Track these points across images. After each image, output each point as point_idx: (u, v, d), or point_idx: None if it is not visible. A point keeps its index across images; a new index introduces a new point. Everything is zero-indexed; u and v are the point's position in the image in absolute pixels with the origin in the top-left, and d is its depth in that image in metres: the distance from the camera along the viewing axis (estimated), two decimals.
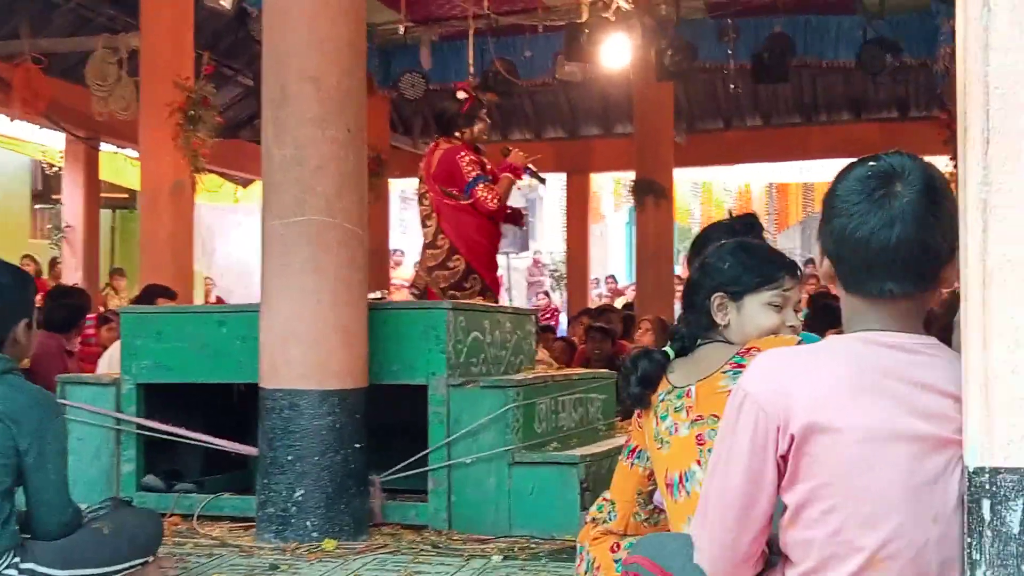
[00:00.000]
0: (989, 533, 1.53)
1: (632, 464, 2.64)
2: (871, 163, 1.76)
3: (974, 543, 1.55)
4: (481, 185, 5.75)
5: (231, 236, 18.76)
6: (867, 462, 1.68)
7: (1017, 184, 1.53)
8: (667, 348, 2.58)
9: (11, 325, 3.11)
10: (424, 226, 6.02)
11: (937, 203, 1.72)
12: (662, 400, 2.53)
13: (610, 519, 2.65)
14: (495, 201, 5.78)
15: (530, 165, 6.14)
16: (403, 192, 20.30)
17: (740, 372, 2.41)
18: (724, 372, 2.46)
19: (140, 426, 4.74)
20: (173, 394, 4.83)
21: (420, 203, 6.09)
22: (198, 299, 12.56)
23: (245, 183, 15.08)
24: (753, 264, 2.63)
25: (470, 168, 5.78)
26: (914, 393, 1.70)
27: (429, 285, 5.94)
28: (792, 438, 1.70)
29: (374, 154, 10.91)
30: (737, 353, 2.48)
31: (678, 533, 2.35)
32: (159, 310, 5.36)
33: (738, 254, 2.63)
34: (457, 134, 5.97)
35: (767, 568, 1.87)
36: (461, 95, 6.29)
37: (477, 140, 6.07)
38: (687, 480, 2.41)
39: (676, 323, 2.68)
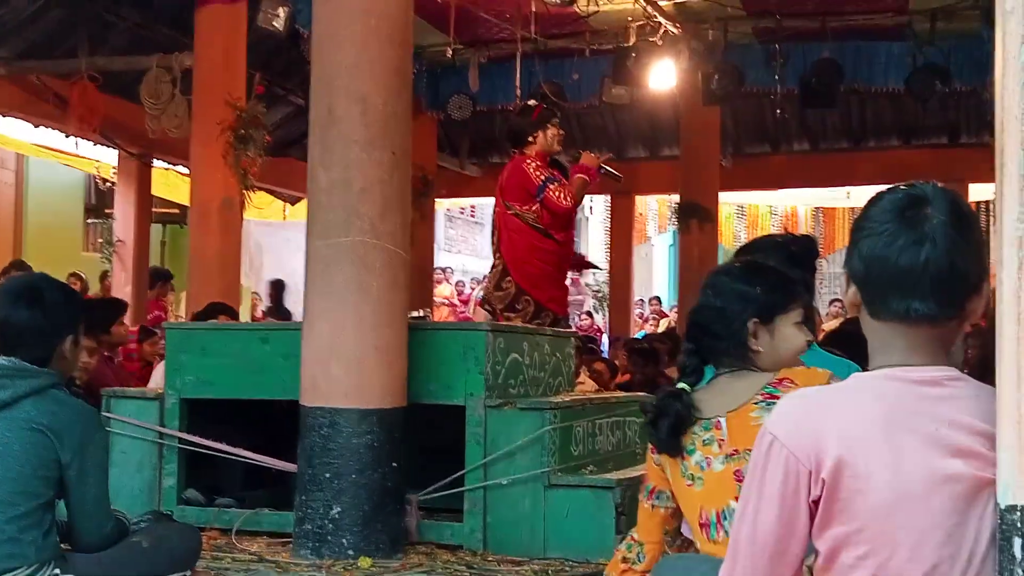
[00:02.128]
0: (1020, 571, 1.51)
1: (653, 506, 2.59)
2: (903, 188, 1.77)
3: None
4: (553, 186, 5.76)
5: (279, 253, 18.93)
6: (900, 505, 1.66)
7: None
8: (682, 385, 2.50)
9: (57, 341, 3.17)
10: (491, 244, 6.06)
11: (967, 229, 1.72)
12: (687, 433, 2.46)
13: (639, 560, 2.61)
14: (569, 199, 5.78)
15: (603, 165, 6.12)
16: (448, 211, 20.41)
17: (774, 403, 2.37)
18: (756, 403, 2.41)
19: (182, 440, 4.80)
20: (215, 409, 4.89)
21: (493, 223, 6.14)
22: (244, 315, 12.68)
23: (294, 200, 15.23)
24: (779, 284, 2.60)
25: (538, 172, 5.80)
26: (943, 431, 1.69)
27: (494, 303, 5.95)
28: (823, 482, 1.68)
29: (421, 174, 11.00)
30: (769, 384, 2.43)
31: (705, 556, 2.31)
32: (204, 326, 5.44)
33: (761, 276, 2.57)
34: (530, 139, 5.96)
35: None
36: (532, 102, 6.34)
37: (551, 148, 6.01)
38: (725, 519, 2.35)
39: (681, 356, 2.57)
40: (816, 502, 1.71)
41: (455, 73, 11.40)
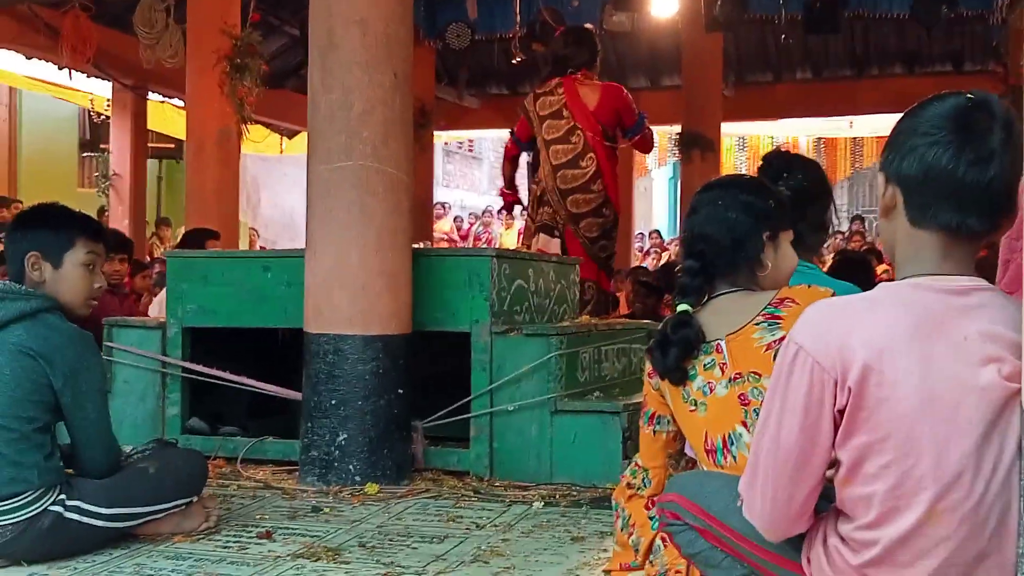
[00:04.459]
0: None
1: (655, 431, 2.55)
2: (968, 95, 1.71)
3: None
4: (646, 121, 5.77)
5: (276, 187, 18.85)
6: (927, 413, 1.64)
7: None
8: (684, 306, 2.41)
9: (20, 256, 3.16)
10: (575, 166, 5.82)
11: (1018, 148, 1.68)
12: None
13: (645, 486, 2.59)
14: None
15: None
16: (446, 145, 20.21)
17: (776, 323, 2.33)
18: (757, 324, 2.35)
19: (185, 369, 4.77)
20: (218, 338, 4.86)
21: (560, 142, 5.88)
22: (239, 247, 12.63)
23: (291, 134, 15.09)
24: (783, 201, 2.54)
25: (634, 105, 5.76)
26: (969, 339, 1.66)
27: (572, 230, 5.82)
28: (849, 391, 1.65)
29: (419, 105, 10.86)
30: (770, 304, 2.36)
31: (717, 472, 2.28)
32: (205, 254, 5.38)
33: (768, 191, 2.50)
34: (594, 66, 5.92)
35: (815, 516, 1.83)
36: (590, 26, 6.24)
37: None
38: (732, 443, 2.31)
39: (682, 275, 2.45)
40: (841, 412, 1.68)
41: (452, 1, 11.22)
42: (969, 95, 1.72)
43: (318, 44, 4.31)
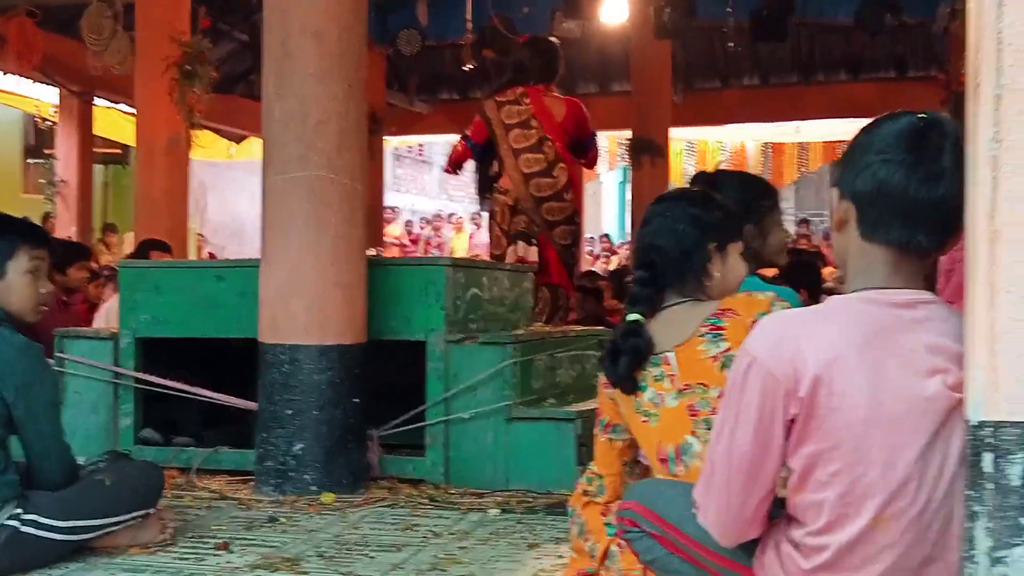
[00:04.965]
0: (991, 486, 1.55)
1: (610, 439, 2.60)
2: (921, 115, 1.77)
3: (975, 496, 1.57)
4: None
5: (224, 192, 18.69)
6: (875, 423, 1.69)
7: None
8: (634, 316, 2.46)
9: None
10: (548, 175, 5.89)
11: (963, 166, 1.74)
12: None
13: (600, 493, 2.63)
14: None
15: None
16: (396, 150, 20.20)
17: (719, 334, 2.39)
18: (702, 336, 2.40)
19: (138, 380, 4.75)
20: (171, 349, 4.84)
21: (532, 151, 5.94)
22: (191, 256, 12.54)
23: (239, 139, 15.01)
24: (731, 213, 2.60)
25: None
26: (917, 351, 1.72)
27: (547, 237, 5.88)
28: (801, 401, 1.71)
29: (370, 111, 10.83)
30: (712, 314, 2.42)
31: (673, 480, 2.34)
32: (158, 264, 5.37)
33: (715, 204, 2.55)
34: (556, 80, 5.99)
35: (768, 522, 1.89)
36: (555, 39, 6.29)
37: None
38: (684, 453, 2.36)
39: (633, 285, 2.51)
40: (793, 421, 1.73)
41: (404, 7, 11.23)
42: (922, 115, 1.78)
43: (273, 54, 4.32)
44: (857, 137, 1.83)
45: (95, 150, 13.15)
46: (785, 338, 1.75)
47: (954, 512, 1.70)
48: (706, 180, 3.10)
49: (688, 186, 3.13)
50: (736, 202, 2.76)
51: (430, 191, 26.41)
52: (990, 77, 1.56)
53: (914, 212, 1.73)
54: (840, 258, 1.87)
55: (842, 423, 1.70)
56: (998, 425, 1.55)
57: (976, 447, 1.58)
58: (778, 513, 1.87)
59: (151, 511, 3.43)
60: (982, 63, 1.59)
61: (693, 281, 2.48)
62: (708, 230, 2.49)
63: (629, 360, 2.42)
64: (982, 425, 1.57)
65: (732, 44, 11.36)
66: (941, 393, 1.69)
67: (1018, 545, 1.53)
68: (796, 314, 1.86)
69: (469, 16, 10.24)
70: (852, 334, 1.72)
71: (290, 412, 4.19)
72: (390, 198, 17.65)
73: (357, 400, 4.27)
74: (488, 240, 6.45)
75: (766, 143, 18.21)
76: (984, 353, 1.57)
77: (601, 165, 19.01)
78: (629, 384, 2.44)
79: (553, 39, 6.39)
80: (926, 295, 1.79)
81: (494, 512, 3.92)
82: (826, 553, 1.74)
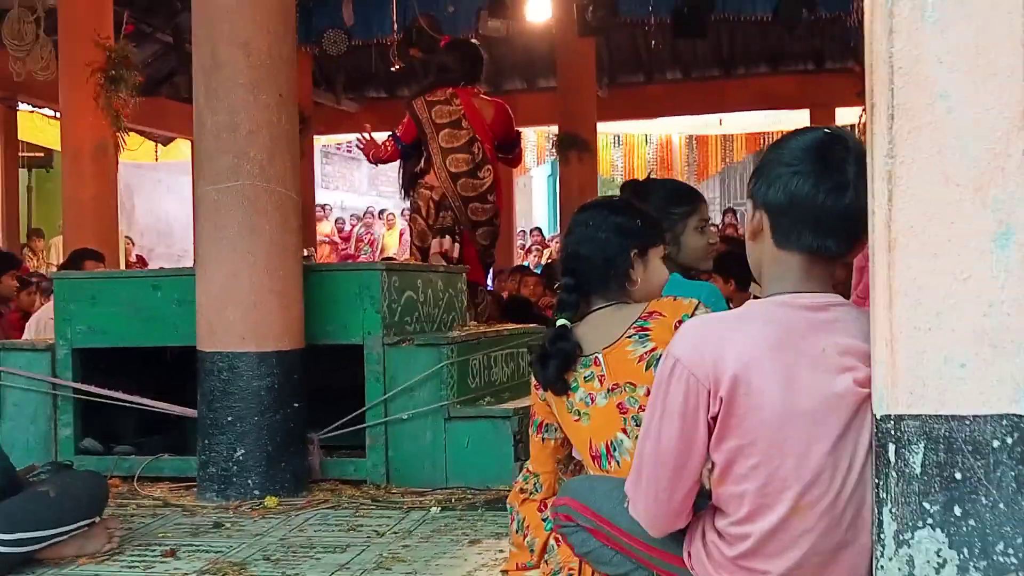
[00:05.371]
0: (894, 474, 1.67)
1: (544, 439, 2.71)
2: (826, 130, 1.91)
3: (881, 483, 1.69)
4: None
5: (151, 195, 18.47)
6: (789, 420, 1.82)
7: (919, 156, 1.66)
8: (562, 321, 2.56)
9: None
10: (474, 176, 5.94)
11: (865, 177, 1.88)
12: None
13: (536, 490, 2.74)
14: None
15: None
16: (324, 147, 20.13)
17: (646, 335, 2.52)
18: (630, 337, 2.51)
19: (77, 390, 4.76)
20: (108, 358, 4.86)
21: (461, 152, 5.97)
22: (120, 260, 12.41)
23: (165, 141, 14.85)
24: (652, 220, 2.73)
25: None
26: (827, 351, 1.85)
27: (470, 236, 5.97)
28: (721, 400, 1.83)
29: (298, 111, 10.84)
30: (639, 316, 2.53)
31: (605, 476, 2.46)
32: (93, 275, 5.37)
33: (637, 211, 2.66)
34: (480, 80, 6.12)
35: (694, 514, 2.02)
36: (476, 40, 6.40)
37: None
38: (615, 449, 2.47)
39: (560, 291, 2.62)
40: (714, 418, 1.86)
41: (328, 6, 11.24)
42: (827, 130, 1.92)
43: (202, 65, 4.36)
44: (768, 151, 1.96)
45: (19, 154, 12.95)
46: (706, 341, 1.87)
47: (865, 499, 1.83)
48: (634, 188, 3.23)
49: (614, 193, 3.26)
50: (654, 209, 2.88)
51: (359, 187, 26.29)
52: (884, 98, 1.70)
53: (823, 220, 1.87)
54: (755, 265, 2.00)
55: (759, 420, 1.83)
56: (899, 418, 1.67)
57: (881, 438, 1.71)
58: (703, 504, 2.00)
59: (96, 520, 3.47)
60: (876, 84, 1.72)
61: (617, 286, 2.60)
62: (629, 237, 2.60)
63: (558, 363, 2.54)
64: (886, 418, 1.70)
65: (654, 41, 11.55)
66: (850, 389, 1.83)
67: (920, 528, 1.65)
68: (717, 318, 1.99)
69: (395, 16, 10.28)
70: (767, 336, 1.85)
71: (231, 418, 4.24)
72: (319, 196, 17.59)
73: (297, 404, 4.34)
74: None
75: (691, 135, 18.50)
76: (885, 351, 1.69)
77: (530, 160, 19.18)
78: (559, 386, 2.55)
79: (474, 41, 6.49)
80: (836, 298, 1.93)
81: (435, 510, 4.02)
82: (748, 541, 1.87)
